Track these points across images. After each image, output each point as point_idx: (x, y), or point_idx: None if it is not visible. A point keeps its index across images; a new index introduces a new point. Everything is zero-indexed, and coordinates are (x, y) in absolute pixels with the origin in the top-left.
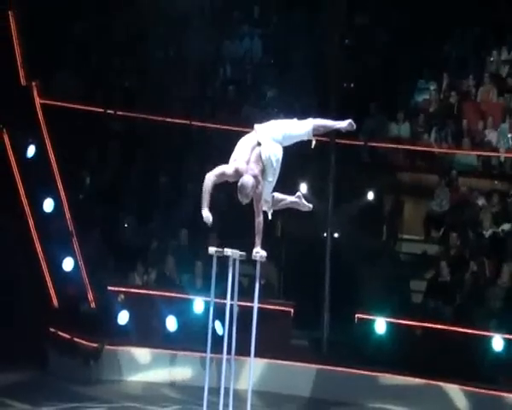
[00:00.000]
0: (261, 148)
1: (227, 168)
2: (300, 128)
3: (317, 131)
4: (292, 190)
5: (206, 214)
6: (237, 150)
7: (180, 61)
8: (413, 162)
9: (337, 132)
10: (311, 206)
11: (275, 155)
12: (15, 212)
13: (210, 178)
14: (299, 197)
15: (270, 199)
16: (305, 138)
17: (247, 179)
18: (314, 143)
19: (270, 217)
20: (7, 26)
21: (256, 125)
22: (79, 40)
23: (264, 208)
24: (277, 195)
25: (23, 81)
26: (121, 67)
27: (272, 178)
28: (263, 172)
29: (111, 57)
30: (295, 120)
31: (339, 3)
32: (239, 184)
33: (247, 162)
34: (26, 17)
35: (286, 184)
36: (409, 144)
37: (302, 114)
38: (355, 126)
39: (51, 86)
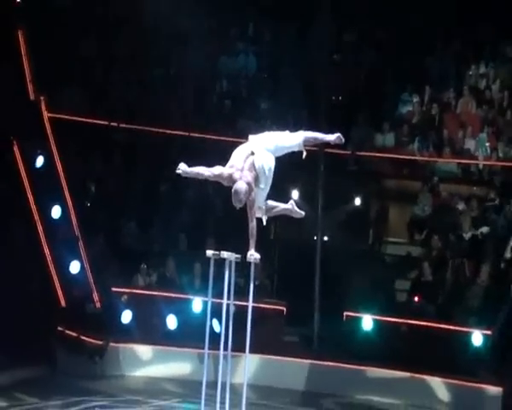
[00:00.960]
0: (255, 157)
1: (224, 170)
2: (292, 140)
3: (307, 143)
4: (284, 197)
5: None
6: (232, 159)
7: (179, 76)
8: (397, 170)
9: (326, 143)
10: (303, 213)
11: (267, 164)
12: (25, 218)
13: (208, 168)
14: (292, 205)
15: (263, 206)
16: (296, 149)
17: (241, 185)
18: (305, 154)
19: (264, 223)
20: (16, 45)
21: (250, 136)
22: (84, 57)
23: (259, 215)
24: (271, 202)
25: (32, 96)
26: (124, 82)
27: (265, 186)
28: (256, 179)
29: (114, 73)
30: (287, 132)
31: (327, 22)
32: (233, 189)
33: (242, 170)
34: (34, 36)
35: (278, 191)
36: (393, 153)
37: (294, 126)
38: (343, 140)
39: (58, 101)
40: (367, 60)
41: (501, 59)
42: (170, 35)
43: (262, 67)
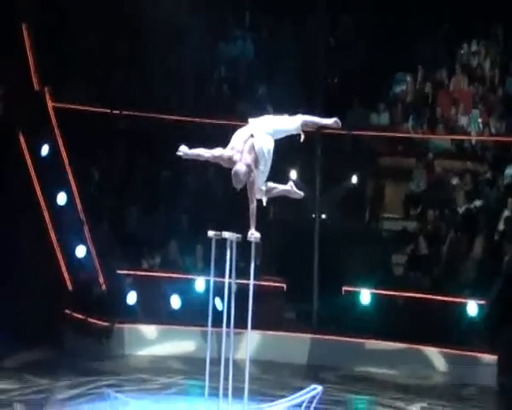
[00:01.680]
0: (254, 139)
1: (224, 152)
2: (290, 123)
3: (305, 127)
4: (283, 179)
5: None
6: (232, 141)
7: (179, 63)
8: (392, 148)
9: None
10: (302, 194)
11: (267, 146)
12: (32, 205)
13: (208, 150)
14: (291, 186)
15: (263, 188)
16: (295, 133)
17: (240, 167)
18: (303, 137)
19: (264, 204)
20: (20, 37)
21: (250, 120)
22: (87, 48)
23: (258, 197)
24: (270, 184)
25: (36, 87)
26: (125, 71)
27: (264, 168)
28: (255, 161)
29: (115, 63)
30: (286, 115)
31: (323, 7)
32: (232, 171)
33: (241, 152)
34: (38, 28)
35: (277, 173)
36: (388, 132)
37: (291, 109)
38: (340, 124)
39: (62, 91)
40: (362, 42)
41: (492, 37)
42: (169, 23)
43: (259, 52)
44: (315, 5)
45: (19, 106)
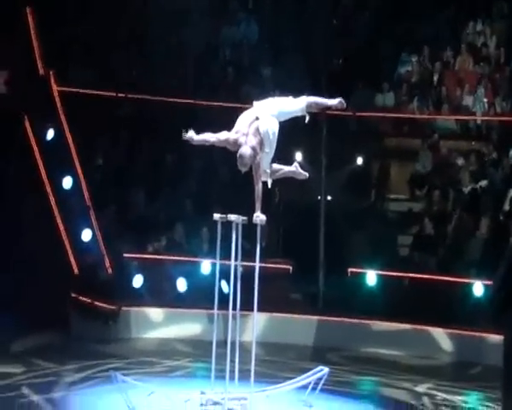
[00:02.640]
0: (259, 122)
1: (229, 135)
2: (295, 105)
3: (310, 108)
4: (288, 160)
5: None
6: (237, 124)
7: (183, 46)
8: (398, 129)
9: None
10: (306, 174)
11: (272, 128)
12: (38, 190)
13: (214, 134)
14: (296, 167)
15: (268, 169)
16: (300, 114)
17: (245, 150)
18: (308, 118)
19: (269, 186)
20: (25, 22)
21: (255, 102)
22: (91, 31)
23: (264, 178)
24: (275, 165)
25: (41, 71)
26: (129, 54)
27: (269, 150)
28: (261, 144)
29: (120, 46)
30: (291, 97)
31: None
32: (238, 154)
33: (247, 135)
34: (42, 12)
35: (282, 154)
36: (393, 112)
37: (296, 91)
38: (345, 105)
39: (67, 75)
40: (366, 22)
41: (497, 16)
42: (174, 6)
43: (263, 35)
44: None
45: (24, 90)
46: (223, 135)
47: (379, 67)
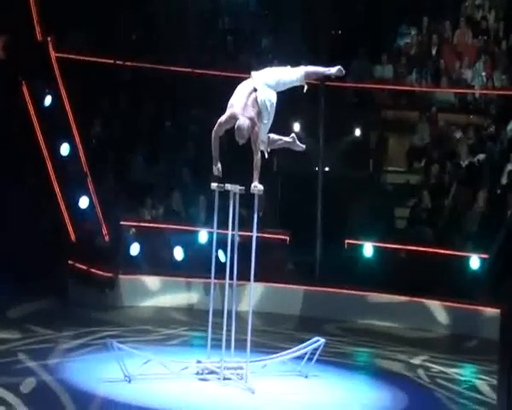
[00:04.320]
0: (257, 93)
1: (222, 117)
2: (293, 75)
3: (308, 78)
4: (287, 131)
5: (217, 169)
6: (234, 96)
7: (182, 14)
8: (396, 101)
9: (327, 77)
10: (303, 146)
11: (269, 99)
12: (35, 156)
13: (212, 133)
14: (294, 138)
15: (266, 139)
16: (298, 84)
17: (243, 121)
18: (306, 88)
19: (266, 155)
20: None
21: (253, 73)
22: None
23: (261, 148)
24: (273, 135)
25: (39, 37)
26: (128, 21)
27: (267, 121)
28: (259, 114)
29: (119, 12)
30: (288, 67)
31: None
32: (236, 126)
33: (244, 106)
34: None
35: (280, 124)
36: (392, 85)
37: (295, 61)
38: (344, 72)
39: (65, 41)
40: None
41: None
42: None
43: (263, 3)
44: None
45: (22, 56)
46: (220, 122)
47: (378, 38)
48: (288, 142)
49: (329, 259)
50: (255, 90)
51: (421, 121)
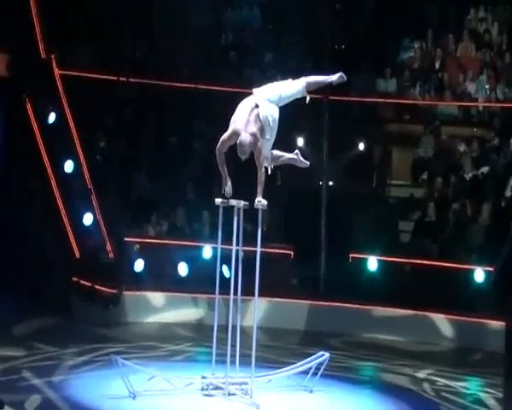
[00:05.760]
0: (259, 109)
1: (225, 134)
2: (294, 87)
3: (310, 88)
4: (290, 145)
5: (226, 189)
6: (237, 113)
7: (186, 30)
8: (400, 114)
9: (330, 89)
10: (307, 163)
11: (271, 114)
12: (39, 173)
13: (216, 152)
14: (297, 155)
15: (269, 155)
16: (300, 96)
17: (244, 137)
18: (308, 99)
19: (270, 172)
20: (27, 6)
21: (254, 90)
22: (92, 15)
23: (265, 164)
24: (276, 152)
25: (43, 54)
26: (132, 37)
27: (270, 136)
28: (261, 130)
29: (122, 29)
30: (289, 80)
31: None
32: (237, 142)
33: (247, 123)
34: None
35: (284, 138)
36: (396, 98)
37: (298, 75)
38: (345, 78)
39: (69, 58)
40: (368, 8)
41: (500, 2)
42: None
43: (266, 18)
44: None
45: (26, 74)
46: (223, 139)
47: (381, 52)
48: (292, 158)
49: (334, 273)
50: (257, 106)
51: (425, 134)
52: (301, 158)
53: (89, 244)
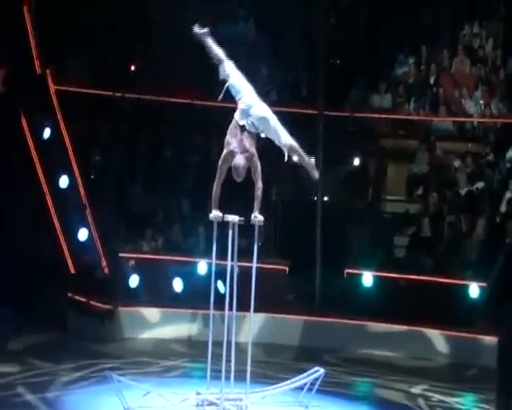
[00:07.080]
0: (255, 108)
1: (220, 162)
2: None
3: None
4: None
5: (214, 214)
6: (228, 135)
7: (180, 44)
8: (394, 130)
9: (325, 104)
10: (317, 175)
11: (263, 112)
12: (34, 188)
13: (214, 186)
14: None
15: (283, 142)
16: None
17: (239, 161)
18: (286, 157)
19: (285, 158)
20: (22, 21)
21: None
22: (87, 30)
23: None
24: (296, 145)
25: (38, 70)
26: (126, 52)
27: (267, 132)
28: (255, 140)
29: (117, 44)
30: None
31: None
32: (232, 165)
33: (240, 141)
34: (39, 12)
35: (280, 154)
36: (390, 113)
37: (293, 90)
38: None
39: (64, 73)
40: (363, 23)
41: (494, 18)
42: (171, 3)
43: (261, 32)
44: None
45: (21, 89)
46: (222, 161)
47: (376, 67)
48: (307, 161)
49: (329, 288)
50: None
51: (420, 150)
52: (314, 166)
53: (84, 260)
